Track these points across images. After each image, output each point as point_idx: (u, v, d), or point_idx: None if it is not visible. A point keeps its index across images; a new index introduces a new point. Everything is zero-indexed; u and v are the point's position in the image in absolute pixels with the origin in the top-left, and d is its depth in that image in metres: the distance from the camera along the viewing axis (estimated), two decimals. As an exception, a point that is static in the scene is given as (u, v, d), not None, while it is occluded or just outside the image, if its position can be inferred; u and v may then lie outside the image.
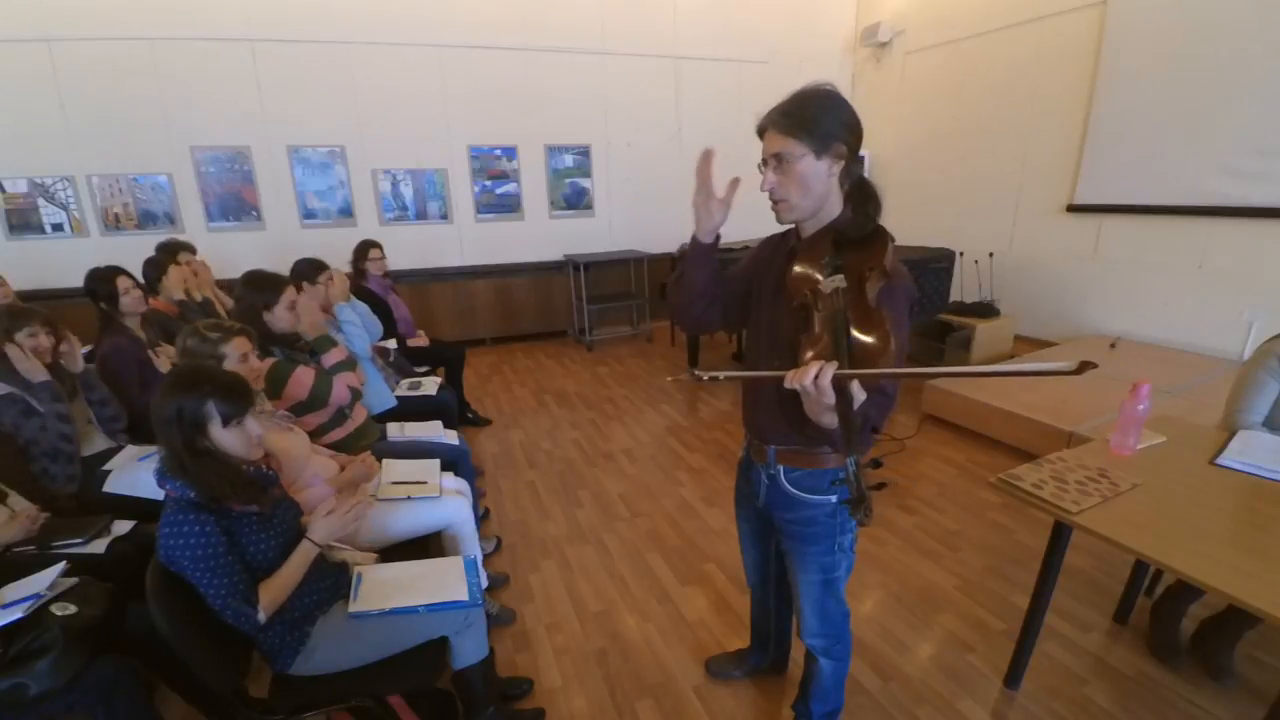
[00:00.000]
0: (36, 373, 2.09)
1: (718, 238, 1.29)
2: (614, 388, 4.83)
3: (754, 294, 1.36)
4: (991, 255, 5.15)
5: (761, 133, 1.18)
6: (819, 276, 1.08)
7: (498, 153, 5.71)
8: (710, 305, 1.38)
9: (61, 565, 1.54)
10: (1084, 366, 0.71)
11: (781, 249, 1.30)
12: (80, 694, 1.35)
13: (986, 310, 4.84)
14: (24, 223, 4.65)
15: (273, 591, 1.37)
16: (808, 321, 1.06)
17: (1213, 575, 1.23)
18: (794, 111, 1.12)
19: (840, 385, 0.92)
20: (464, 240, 5.82)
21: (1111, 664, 1.92)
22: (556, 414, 4.30)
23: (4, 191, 4.57)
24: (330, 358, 2.37)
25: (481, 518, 2.72)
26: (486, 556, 2.49)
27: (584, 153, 6.01)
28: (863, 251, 1.09)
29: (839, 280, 1.05)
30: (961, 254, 4.98)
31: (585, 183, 6.10)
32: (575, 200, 6.10)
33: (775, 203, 1.19)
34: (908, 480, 3.15)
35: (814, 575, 1.39)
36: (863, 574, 2.41)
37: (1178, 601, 1.92)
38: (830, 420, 0.96)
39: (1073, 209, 4.80)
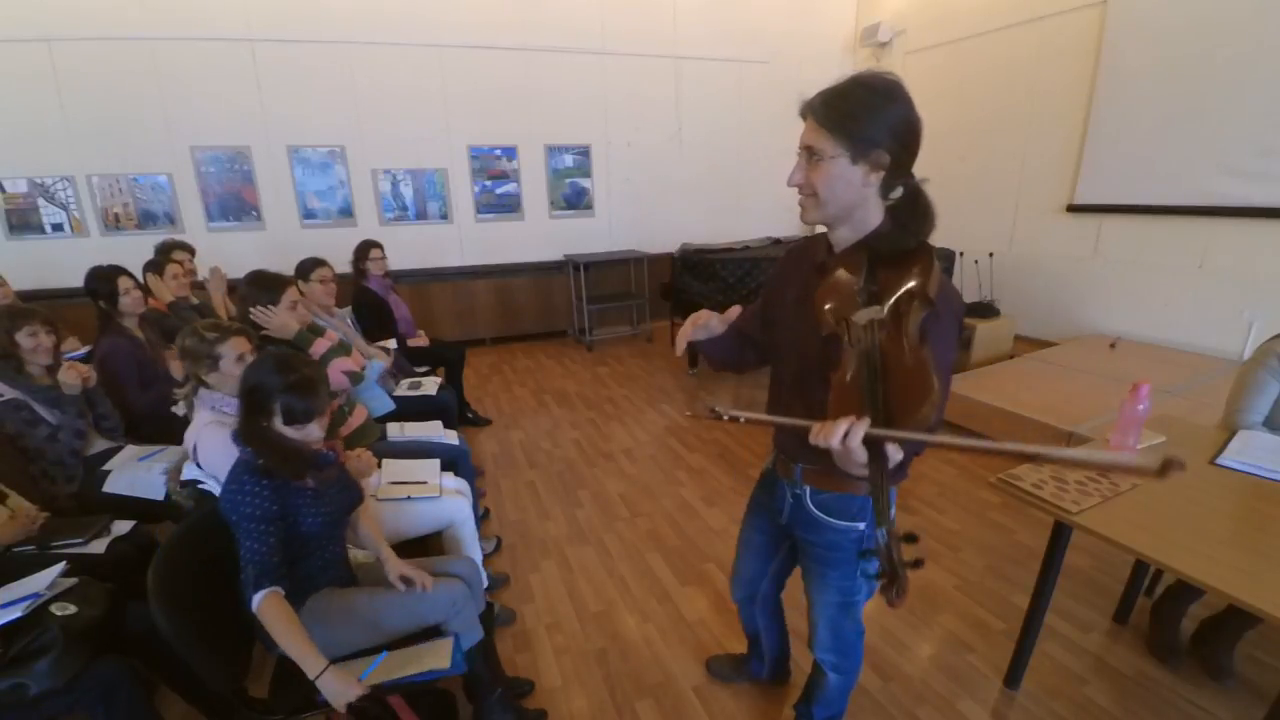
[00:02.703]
0: (74, 386, 2.14)
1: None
2: (614, 388, 4.83)
3: (774, 314, 1.21)
4: (991, 255, 5.16)
5: (802, 118, 1.03)
6: (852, 305, 0.93)
7: (498, 153, 5.71)
8: (740, 355, 1.33)
9: (61, 565, 1.55)
10: (1169, 467, 0.55)
11: (805, 261, 1.16)
12: (80, 694, 1.35)
13: (986, 310, 4.84)
14: (24, 223, 4.65)
15: (274, 618, 1.34)
16: (838, 356, 0.92)
17: (1213, 575, 1.23)
18: (837, 104, 0.97)
19: (873, 445, 0.79)
20: (464, 240, 5.82)
21: (1111, 664, 1.92)
22: (556, 414, 4.30)
23: (4, 191, 4.56)
24: (318, 348, 2.34)
25: (481, 518, 2.72)
26: (486, 556, 2.49)
27: (584, 153, 6.01)
28: (902, 274, 0.94)
29: (875, 311, 0.90)
30: (961, 254, 4.98)
31: (585, 183, 6.09)
32: (575, 200, 6.10)
33: (799, 198, 1.05)
34: (908, 480, 3.15)
35: (832, 597, 1.32)
36: (863, 574, 2.41)
37: (1178, 601, 1.92)
38: (860, 473, 0.84)
39: (1073, 209, 4.80)
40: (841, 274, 0.99)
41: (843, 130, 0.96)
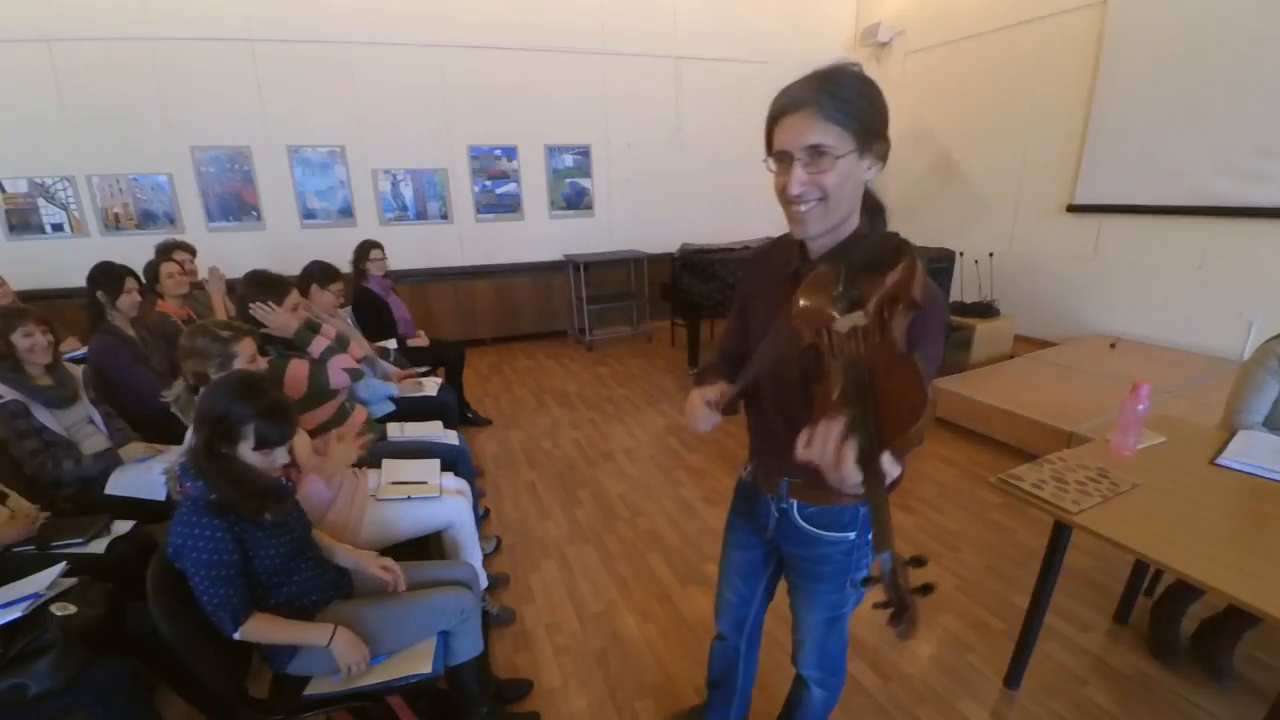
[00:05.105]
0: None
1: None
2: (614, 388, 4.83)
3: (748, 324, 1.12)
4: (991, 255, 5.15)
5: (778, 117, 0.89)
6: (832, 312, 0.84)
7: (498, 153, 5.71)
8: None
9: (61, 565, 1.55)
10: None
11: (774, 268, 1.05)
12: (80, 694, 1.35)
13: (986, 310, 4.84)
14: (24, 223, 4.65)
15: (264, 631, 1.36)
16: (820, 368, 0.82)
17: (1213, 575, 1.23)
18: (840, 94, 0.84)
19: (868, 463, 0.71)
20: (464, 240, 5.82)
21: (1111, 664, 1.92)
22: (556, 414, 4.30)
23: (4, 191, 4.56)
24: (316, 345, 2.31)
25: (481, 518, 2.72)
26: (486, 556, 2.49)
27: (584, 153, 6.01)
28: (884, 276, 0.84)
29: (857, 318, 0.81)
30: (961, 254, 4.98)
31: (585, 183, 6.10)
32: (575, 200, 6.10)
33: (803, 209, 0.90)
34: (908, 480, 3.15)
35: (821, 614, 1.24)
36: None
37: (1178, 601, 1.93)
38: (856, 492, 0.74)
39: (1073, 209, 4.80)
40: (818, 280, 0.89)
41: (855, 121, 0.85)
